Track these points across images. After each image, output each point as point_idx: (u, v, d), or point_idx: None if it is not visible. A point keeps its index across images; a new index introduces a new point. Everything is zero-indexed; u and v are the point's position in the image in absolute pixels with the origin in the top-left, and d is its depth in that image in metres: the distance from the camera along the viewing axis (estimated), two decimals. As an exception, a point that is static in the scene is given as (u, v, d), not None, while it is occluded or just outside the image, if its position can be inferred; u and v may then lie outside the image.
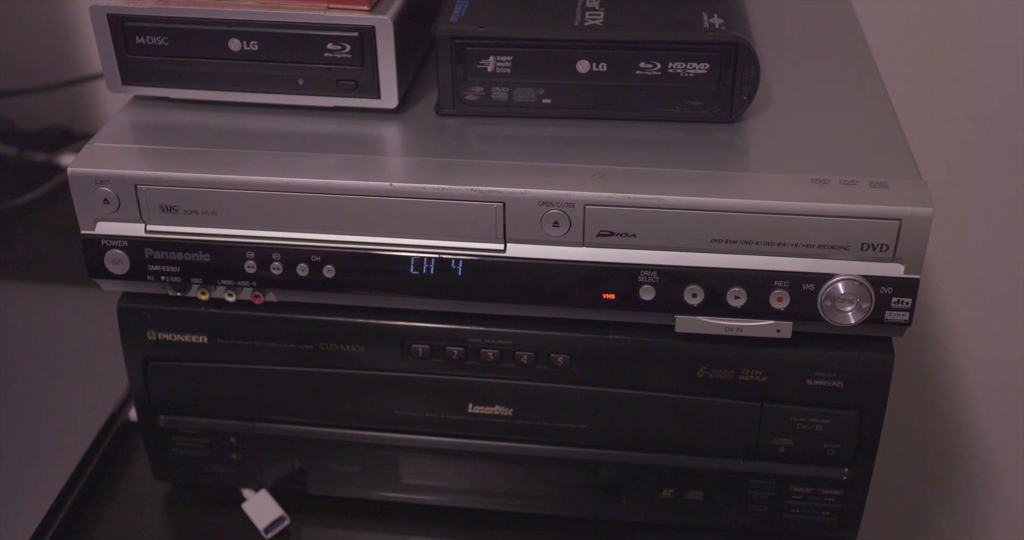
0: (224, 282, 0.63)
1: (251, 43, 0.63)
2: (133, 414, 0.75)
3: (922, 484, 1.27)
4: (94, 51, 0.65)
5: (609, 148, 0.62)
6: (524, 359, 0.63)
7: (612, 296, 0.60)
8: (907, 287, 0.58)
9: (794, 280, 0.58)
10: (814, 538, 0.68)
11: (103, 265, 0.62)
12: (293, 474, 0.70)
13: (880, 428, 0.63)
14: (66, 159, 1.02)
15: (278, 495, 0.71)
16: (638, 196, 0.58)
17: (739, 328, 0.60)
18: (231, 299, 0.64)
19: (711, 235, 0.58)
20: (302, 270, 0.61)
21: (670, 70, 0.62)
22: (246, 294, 0.64)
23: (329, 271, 0.61)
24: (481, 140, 0.64)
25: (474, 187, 0.59)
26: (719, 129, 0.64)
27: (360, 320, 0.64)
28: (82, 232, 0.62)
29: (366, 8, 0.62)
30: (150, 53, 0.64)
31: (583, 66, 0.62)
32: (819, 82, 0.70)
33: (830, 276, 0.58)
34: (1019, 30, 0.99)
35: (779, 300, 0.59)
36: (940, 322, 1.15)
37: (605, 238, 0.59)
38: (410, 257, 0.60)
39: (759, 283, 0.59)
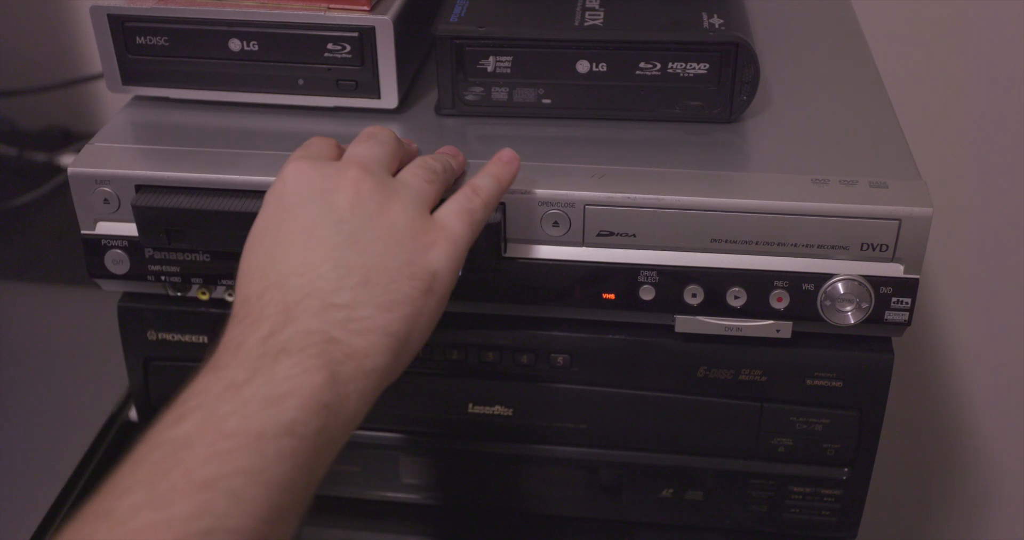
0: (224, 282, 0.63)
1: (251, 43, 0.63)
2: (133, 414, 0.75)
3: (921, 484, 1.27)
4: (94, 51, 0.65)
5: (609, 148, 0.62)
6: (524, 359, 0.63)
7: (612, 296, 0.60)
8: (907, 287, 0.58)
9: (794, 280, 0.58)
10: (814, 538, 0.68)
11: (103, 265, 0.62)
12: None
13: (880, 428, 0.64)
14: (66, 159, 1.02)
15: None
16: (638, 196, 0.58)
17: (739, 328, 0.60)
18: (231, 299, 0.64)
19: (711, 235, 0.58)
20: (302, 270, 0.61)
21: (670, 70, 0.62)
22: (246, 294, 0.64)
23: (329, 271, 0.61)
24: (481, 140, 0.64)
25: (474, 187, 0.58)
26: (719, 129, 0.64)
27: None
28: (82, 232, 0.62)
29: (366, 8, 0.62)
30: (150, 53, 0.64)
31: (583, 66, 0.62)
32: (819, 82, 0.70)
33: (830, 276, 0.58)
34: (1019, 30, 0.99)
35: (779, 300, 0.59)
36: (940, 322, 1.15)
37: (605, 238, 0.59)
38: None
39: (759, 283, 0.59)
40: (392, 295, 0.49)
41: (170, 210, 0.59)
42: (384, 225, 0.50)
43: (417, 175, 0.54)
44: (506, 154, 0.57)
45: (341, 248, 0.49)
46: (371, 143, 0.55)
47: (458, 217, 0.53)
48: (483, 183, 0.55)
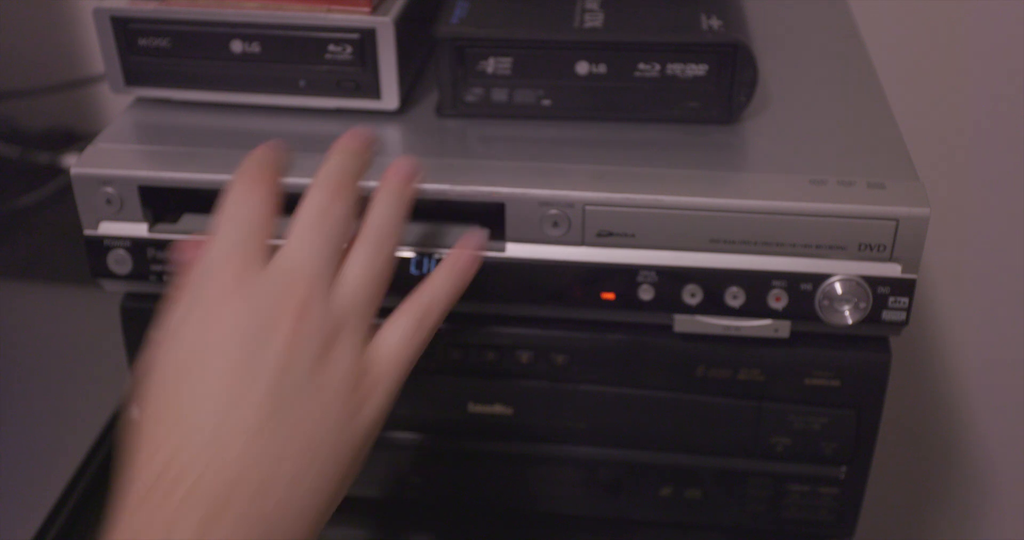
0: (226, 282, 0.63)
1: (253, 45, 0.63)
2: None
3: (919, 482, 1.27)
4: (97, 53, 0.65)
5: (608, 149, 0.63)
6: (524, 359, 0.64)
7: (611, 296, 0.60)
8: (904, 287, 0.58)
9: (792, 280, 0.59)
10: (812, 536, 0.69)
11: (106, 265, 0.63)
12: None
13: (877, 427, 0.64)
14: (69, 160, 1.03)
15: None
16: (637, 196, 0.58)
17: (737, 328, 0.60)
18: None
19: (710, 235, 0.58)
20: (304, 270, 0.62)
21: (669, 71, 0.62)
22: (248, 294, 0.64)
23: (330, 271, 0.62)
24: (481, 141, 0.64)
25: (475, 188, 0.59)
26: (717, 130, 0.64)
27: (361, 320, 0.64)
28: (85, 232, 0.62)
29: (367, 10, 0.62)
30: (153, 55, 0.64)
31: (582, 67, 0.62)
32: (817, 83, 0.70)
33: (828, 276, 0.58)
34: (1018, 30, 0.99)
35: (777, 300, 0.59)
36: (937, 322, 1.16)
37: (604, 238, 0.59)
38: (411, 257, 0.61)
39: (757, 283, 0.59)
40: (324, 477, 0.45)
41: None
42: (316, 393, 0.46)
43: (362, 289, 0.49)
44: (473, 239, 0.54)
45: (268, 432, 0.44)
46: (316, 232, 0.49)
47: (402, 349, 0.49)
48: (438, 297, 0.51)
